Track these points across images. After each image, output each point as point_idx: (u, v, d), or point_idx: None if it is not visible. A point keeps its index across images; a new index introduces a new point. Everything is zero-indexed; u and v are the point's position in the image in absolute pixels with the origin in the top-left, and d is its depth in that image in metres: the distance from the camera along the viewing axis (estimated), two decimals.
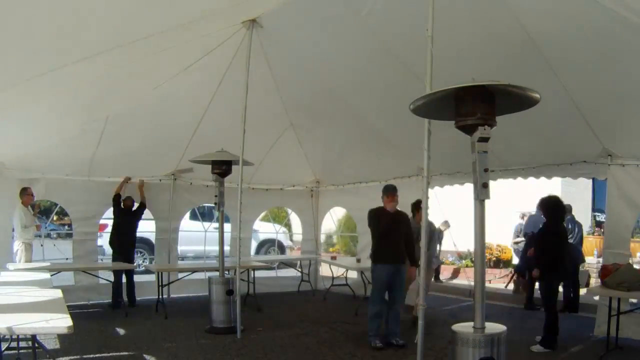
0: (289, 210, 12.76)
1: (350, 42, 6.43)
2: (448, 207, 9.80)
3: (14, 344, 5.30)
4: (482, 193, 3.56)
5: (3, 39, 4.38)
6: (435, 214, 7.38)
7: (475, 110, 3.48)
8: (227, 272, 7.60)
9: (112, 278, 8.86)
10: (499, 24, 5.14)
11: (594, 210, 16.03)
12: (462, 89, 3.52)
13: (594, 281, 10.77)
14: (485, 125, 3.48)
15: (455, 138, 4.14)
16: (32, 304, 4.52)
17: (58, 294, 5.02)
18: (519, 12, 4.97)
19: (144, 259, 12.92)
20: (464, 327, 3.78)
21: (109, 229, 10.28)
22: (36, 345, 4.72)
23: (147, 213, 9.94)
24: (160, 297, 8.57)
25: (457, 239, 10.46)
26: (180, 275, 9.58)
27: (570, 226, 8.94)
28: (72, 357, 5.74)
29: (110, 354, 6.02)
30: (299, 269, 11.81)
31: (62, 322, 3.64)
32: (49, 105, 6.59)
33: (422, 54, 4.29)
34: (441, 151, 4.52)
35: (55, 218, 18.71)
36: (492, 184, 8.01)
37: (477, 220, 3.58)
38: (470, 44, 5.43)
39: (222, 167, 7.24)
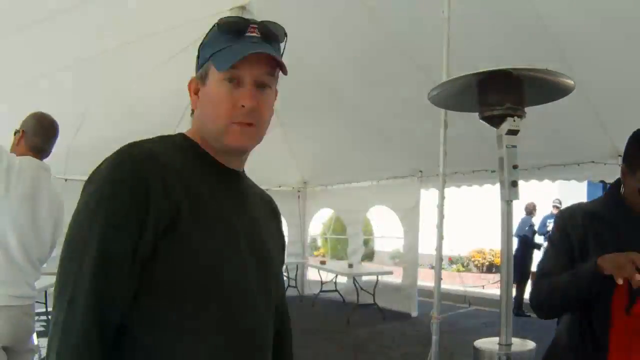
0: None
1: (348, 31, 5.99)
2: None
3: None
4: (511, 193, 3.10)
5: None
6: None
7: (504, 100, 3.01)
8: None
9: None
10: (514, 10, 4.73)
11: None
12: (486, 75, 3.05)
13: None
14: (515, 116, 3.02)
15: (467, 134, 3.74)
16: None
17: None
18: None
19: None
20: (488, 344, 3.32)
21: None
22: None
23: None
24: None
25: (449, 243, 10.07)
26: None
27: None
28: None
29: None
30: (285, 274, 11.34)
31: None
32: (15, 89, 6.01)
33: (427, 44, 3.89)
34: (452, 148, 4.08)
35: None
36: (488, 187, 7.61)
37: (504, 225, 3.11)
38: (483, 32, 5.02)
39: None
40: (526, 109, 3.26)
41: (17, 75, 5.73)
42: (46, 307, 7.58)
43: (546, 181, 7.44)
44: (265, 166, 9.77)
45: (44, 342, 5.20)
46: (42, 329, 7.00)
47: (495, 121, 3.11)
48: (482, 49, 5.00)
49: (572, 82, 3.02)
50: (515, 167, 3.13)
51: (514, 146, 3.10)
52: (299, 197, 11.24)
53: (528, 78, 3.06)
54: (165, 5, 5.13)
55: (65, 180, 8.55)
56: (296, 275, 11.08)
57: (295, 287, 10.95)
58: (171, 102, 7.48)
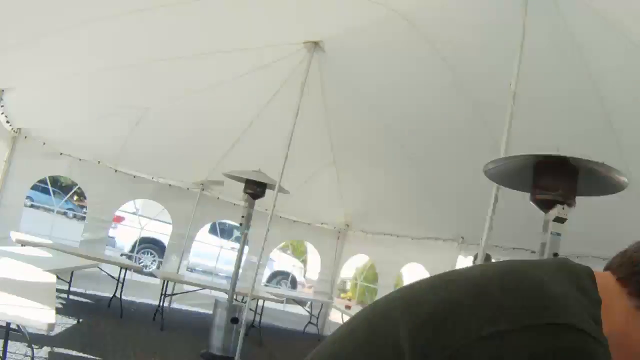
0: (308, 246, 12.33)
1: (419, 80, 5.99)
2: None
3: None
4: None
5: None
6: None
7: (557, 186, 3.03)
8: (234, 298, 7.17)
9: (115, 274, 8.33)
10: (581, 98, 4.71)
11: None
12: (543, 158, 3.07)
13: None
14: (565, 204, 3.02)
15: (515, 210, 3.73)
16: (20, 284, 4.17)
17: (52, 279, 4.66)
18: (601, 84, 4.55)
19: (153, 260, 12.60)
20: None
21: (125, 221, 10.01)
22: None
23: (165, 215, 9.68)
24: (161, 305, 8.16)
25: None
26: (186, 288, 9.18)
27: None
28: (51, 349, 5.34)
29: (94, 357, 5.62)
30: (308, 309, 11.30)
31: (45, 317, 3.26)
32: (83, 72, 6.25)
33: (497, 100, 3.89)
34: (497, 220, 4.05)
35: (75, 198, 18.60)
36: None
37: None
38: (546, 108, 5.00)
39: (256, 188, 6.86)
40: (586, 202, 3.25)
41: (88, 63, 5.95)
42: (69, 287, 7.80)
43: None
44: (313, 201, 9.90)
45: (60, 319, 5.33)
46: (60, 306, 7.22)
47: (545, 205, 3.13)
48: (544, 133, 4.98)
49: (625, 179, 3.01)
50: (555, 255, 3.12)
51: (559, 234, 3.11)
52: (338, 237, 11.24)
53: (584, 168, 3.07)
54: (243, 27, 5.28)
55: (115, 171, 8.87)
56: (319, 313, 11.01)
57: (316, 325, 10.87)
58: (229, 118, 7.71)
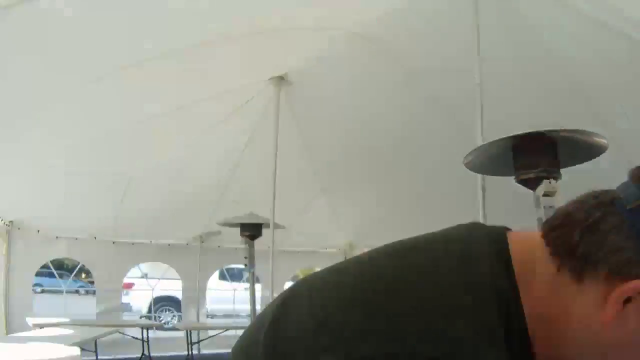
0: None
1: (389, 96, 6.11)
2: None
3: None
4: None
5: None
6: None
7: (538, 162, 3.06)
8: None
9: (139, 335, 8.42)
10: (546, 72, 4.81)
11: None
12: (520, 138, 3.11)
13: None
14: (550, 178, 3.06)
15: (510, 195, 3.75)
16: None
17: (76, 352, 4.64)
18: (565, 60, 4.65)
19: (173, 316, 12.64)
20: None
21: (136, 286, 10.03)
22: None
23: (172, 272, 9.72)
24: (190, 353, 8.28)
25: None
26: (211, 332, 9.32)
27: None
28: None
29: None
30: None
31: None
32: (64, 152, 6.33)
33: (465, 109, 3.97)
34: (496, 210, 4.09)
35: (83, 276, 18.55)
36: None
37: None
38: (516, 95, 5.09)
39: (251, 230, 6.88)
40: (569, 171, 3.29)
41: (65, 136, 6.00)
42: (96, 356, 7.72)
43: None
44: (312, 230, 9.91)
45: None
46: None
47: (530, 184, 3.16)
48: (516, 113, 5.05)
49: (605, 141, 3.05)
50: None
51: (552, 207, 3.13)
52: (345, 257, 11.22)
53: (561, 139, 3.11)
54: (206, 75, 5.34)
55: (113, 242, 8.89)
56: None
57: None
58: (213, 167, 7.76)
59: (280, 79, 6.15)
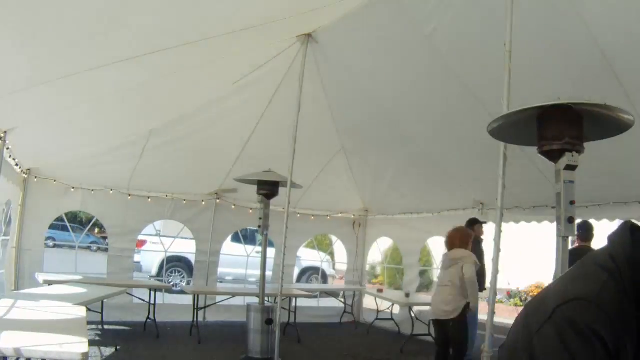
0: (334, 238, 12.36)
1: (410, 63, 6.00)
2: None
3: None
4: (567, 229, 3.07)
5: (34, 24, 3.93)
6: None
7: (563, 134, 3.00)
8: (267, 300, 7.20)
9: (146, 297, 8.46)
10: (574, 40, 4.66)
11: None
12: (546, 109, 3.05)
13: None
14: (573, 151, 3.00)
15: (529, 168, 3.71)
16: (51, 322, 4.22)
17: (81, 312, 4.70)
18: (595, 28, 4.49)
19: (182, 278, 12.66)
20: None
21: (147, 245, 10.03)
22: None
23: (187, 232, 9.73)
24: (195, 320, 8.23)
25: (508, 277, 9.86)
26: (218, 299, 9.24)
27: None
28: None
29: None
30: (342, 300, 11.33)
31: (77, 347, 3.30)
32: (89, 111, 6.33)
33: (486, 77, 3.87)
34: (512, 182, 4.02)
35: (97, 231, 18.76)
36: (546, 224, 7.23)
37: (560, 261, 3.07)
38: (542, 64, 4.95)
39: (268, 188, 6.88)
40: (589, 144, 3.23)
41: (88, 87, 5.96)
42: (102, 317, 7.88)
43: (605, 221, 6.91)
44: (328, 193, 9.92)
45: (98, 349, 5.38)
46: (96, 337, 7.30)
47: (553, 156, 3.10)
48: (544, 85, 4.93)
49: (632, 118, 2.97)
50: (572, 203, 3.10)
51: (572, 182, 3.08)
52: (353, 224, 11.23)
53: (587, 113, 3.04)
54: (234, 30, 5.24)
55: (129, 195, 8.94)
56: (353, 302, 11.05)
57: (352, 313, 10.92)
58: (234, 125, 7.72)
59: (308, 37, 6.10)
